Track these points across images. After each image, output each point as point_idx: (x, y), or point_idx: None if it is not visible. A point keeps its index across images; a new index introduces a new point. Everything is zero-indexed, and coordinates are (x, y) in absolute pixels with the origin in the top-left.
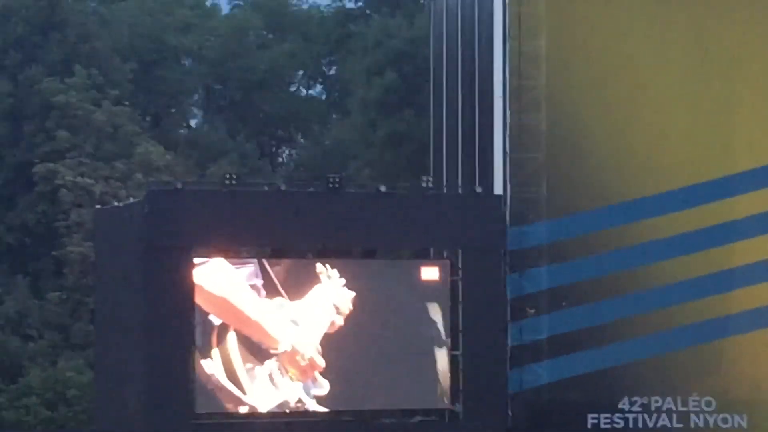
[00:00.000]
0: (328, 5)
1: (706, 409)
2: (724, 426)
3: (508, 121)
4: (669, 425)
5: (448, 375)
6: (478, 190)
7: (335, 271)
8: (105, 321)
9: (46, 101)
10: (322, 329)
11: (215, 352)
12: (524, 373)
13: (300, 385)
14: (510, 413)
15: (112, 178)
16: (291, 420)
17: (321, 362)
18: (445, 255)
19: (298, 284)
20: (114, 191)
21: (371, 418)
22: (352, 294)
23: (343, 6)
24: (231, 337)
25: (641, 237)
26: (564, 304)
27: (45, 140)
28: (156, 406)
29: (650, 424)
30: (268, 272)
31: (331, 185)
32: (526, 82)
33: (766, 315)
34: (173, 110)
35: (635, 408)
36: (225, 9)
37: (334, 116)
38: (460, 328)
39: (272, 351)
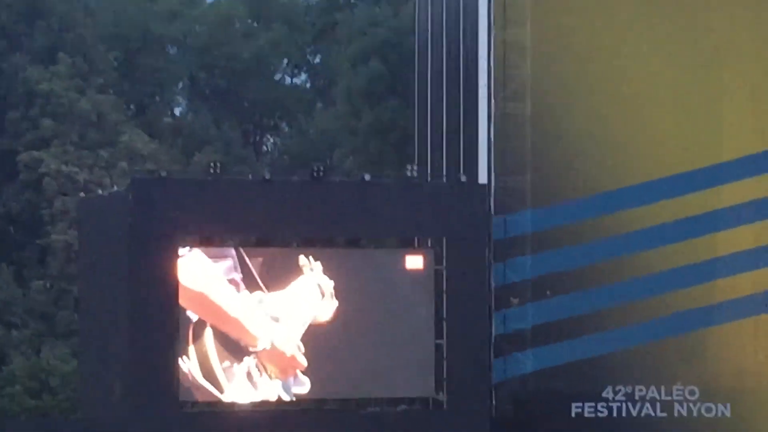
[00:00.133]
0: None
1: (689, 398)
2: (708, 415)
3: (492, 110)
4: (653, 414)
5: (432, 364)
6: (463, 179)
7: (318, 263)
8: (89, 309)
9: (30, 89)
10: (303, 325)
11: (191, 349)
12: (508, 362)
13: (279, 383)
14: (494, 402)
15: (97, 166)
16: (275, 409)
17: (302, 360)
18: (429, 244)
19: (279, 278)
20: (98, 179)
21: (355, 406)
22: (334, 286)
23: None
24: (208, 334)
25: (625, 226)
26: (548, 293)
27: (29, 128)
28: (139, 395)
29: (634, 413)
30: (247, 266)
31: (315, 174)
32: (510, 71)
33: (749, 304)
34: (158, 99)
35: (619, 397)
36: None
37: (318, 105)
38: (444, 317)
39: (251, 348)
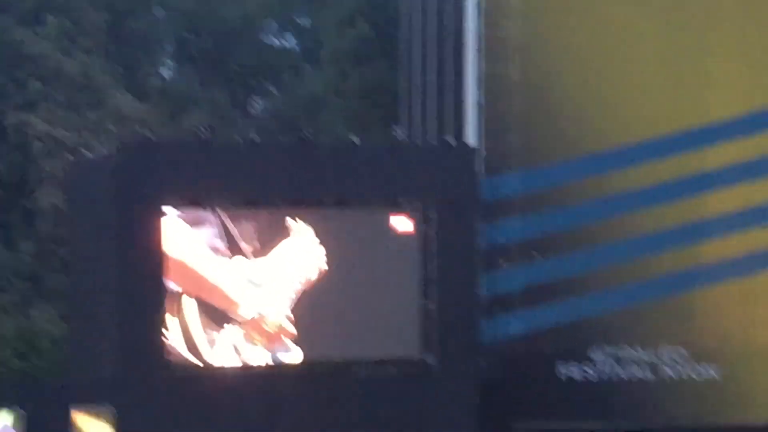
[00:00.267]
0: None
1: (677, 359)
2: (695, 376)
3: (480, 71)
4: (640, 375)
5: (421, 326)
6: (451, 140)
7: (308, 228)
8: (77, 272)
9: (17, 51)
10: (291, 292)
11: (173, 321)
12: (497, 325)
13: (268, 354)
14: (482, 364)
15: (85, 128)
16: (263, 370)
17: (290, 328)
18: (417, 206)
19: (264, 244)
20: (86, 142)
21: (343, 369)
22: (323, 249)
23: None
24: (190, 305)
25: (614, 188)
26: (537, 255)
27: (16, 90)
28: (128, 357)
29: (621, 375)
30: (229, 232)
31: (303, 136)
32: (498, 33)
33: (737, 266)
34: (145, 61)
35: (607, 359)
36: None
37: (307, 67)
38: (433, 278)
39: (236, 318)
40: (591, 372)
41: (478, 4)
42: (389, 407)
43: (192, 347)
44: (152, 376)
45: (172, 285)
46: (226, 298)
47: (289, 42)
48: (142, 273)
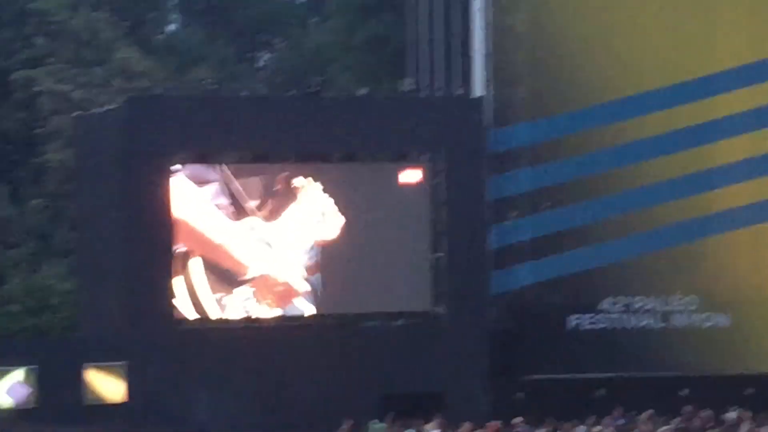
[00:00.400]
0: None
1: (688, 308)
2: (707, 325)
3: (487, 22)
4: (651, 325)
5: (431, 278)
6: (459, 92)
7: (317, 184)
8: (86, 228)
9: (23, 8)
10: (302, 249)
11: (179, 282)
12: (506, 276)
13: (279, 311)
14: (492, 315)
15: (91, 84)
16: (272, 326)
17: (300, 287)
18: (426, 158)
19: (271, 201)
20: (93, 98)
21: (354, 321)
22: (332, 205)
23: None
24: (196, 265)
25: (622, 138)
26: (546, 205)
27: (22, 47)
28: (136, 313)
29: (633, 325)
30: (236, 189)
31: (310, 90)
32: None
33: (747, 214)
34: (151, 15)
35: (618, 308)
36: None
37: (313, 20)
38: (442, 230)
39: (243, 278)
40: (602, 322)
41: None
42: (400, 359)
43: (200, 305)
44: (162, 332)
45: (179, 245)
46: (233, 258)
47: None
48: (150, 230)
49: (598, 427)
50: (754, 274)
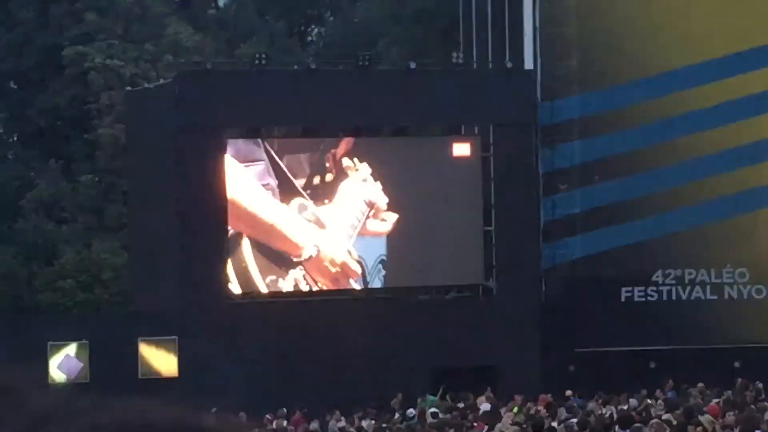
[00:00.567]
0: None
1: (739, 280)
2: (758, 297)
3: None
4: (702, 297)
5: (482, 251)
6: (509, 65)
7: (364, 164)
8: (138, 203)
9: None
10: (353, 229)
11: (228, 265)
12: (557, 248)
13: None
14: (543, 288)
15: (142, 59)
16: (325, 298)
17: (355, 267)
18: (476, 131)
19: (321, 181)
20: (144, 73)
21: (405, 295)
22: (381, 182)
23: None
24: (245, 246)
25: (673, 110)
26: (596, 178)
27: (73, 23)
28: (189, 287)
29: (684, 297)
30: (284, 167)
31: (360, 63)
32: None
33: None
34: None
35: (669, 281)
36: None
37: None
38: (493, 203)
39: (296, 259)
40: (653, 295)
41: None
42: (451, 333)
43: (250, 291)
44: (213, 307)
45: (230, 227)
46: (285, 238)
47: None
48: (202, 205)
49: (650, 400)
50: None
